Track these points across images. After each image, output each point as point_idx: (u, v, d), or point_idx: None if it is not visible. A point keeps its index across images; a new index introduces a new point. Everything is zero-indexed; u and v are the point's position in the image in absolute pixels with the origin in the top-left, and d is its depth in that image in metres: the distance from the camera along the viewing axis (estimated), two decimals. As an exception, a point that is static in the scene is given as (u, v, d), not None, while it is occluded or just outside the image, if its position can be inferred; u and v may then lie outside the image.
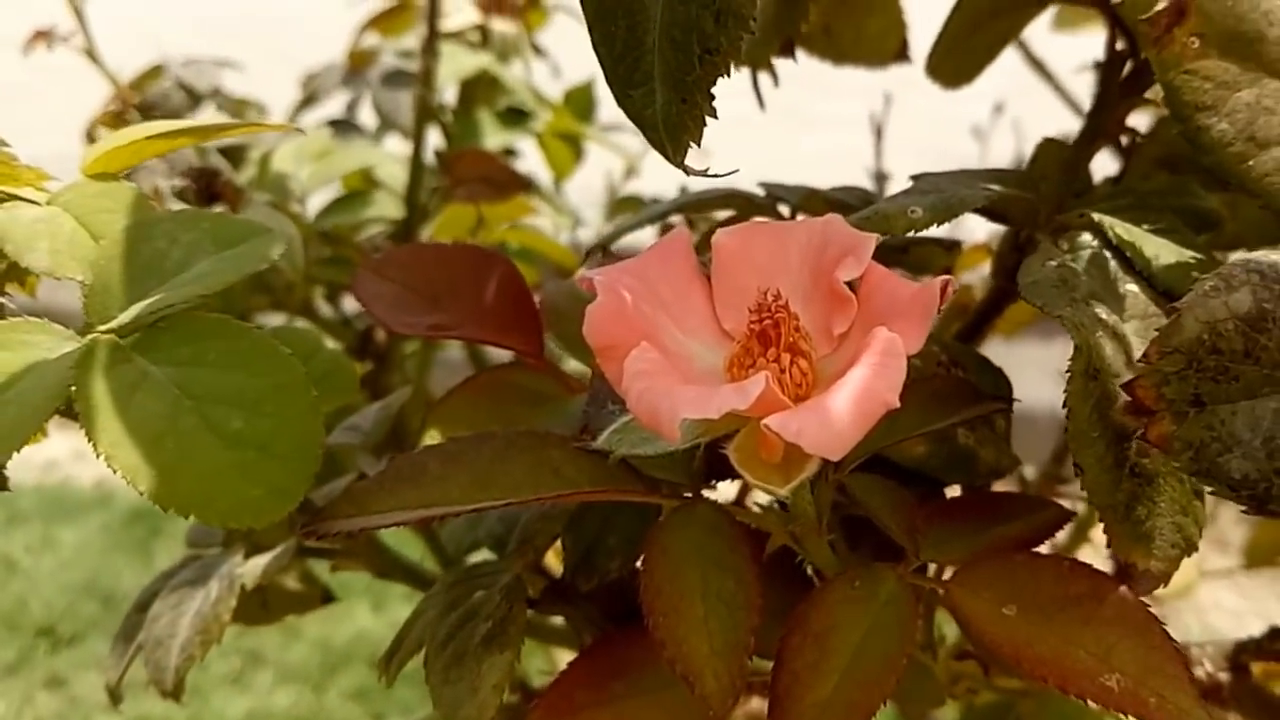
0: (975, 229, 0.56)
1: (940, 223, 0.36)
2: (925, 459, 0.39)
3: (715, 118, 0.32)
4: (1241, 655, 0.45)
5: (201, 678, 1.79)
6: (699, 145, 0.33)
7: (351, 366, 0.40)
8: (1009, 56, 0.60)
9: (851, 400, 0.29)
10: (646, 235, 0.51)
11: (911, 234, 0.37)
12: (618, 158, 0.97)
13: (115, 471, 0.31)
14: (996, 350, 0.45)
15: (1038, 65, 0.73)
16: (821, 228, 0.34)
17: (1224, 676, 0.45)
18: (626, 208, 0.89)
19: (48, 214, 0.36)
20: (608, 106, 0.97)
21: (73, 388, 0.32)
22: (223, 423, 0.32)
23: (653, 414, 0.29)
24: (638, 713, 0.35)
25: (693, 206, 0.47)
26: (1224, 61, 0.34)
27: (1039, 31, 0.63)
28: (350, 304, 0.68)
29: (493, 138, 0.80)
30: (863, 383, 0.29)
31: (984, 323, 0.45)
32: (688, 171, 0.34)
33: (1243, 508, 0.29)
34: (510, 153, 0.83)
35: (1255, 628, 0.46)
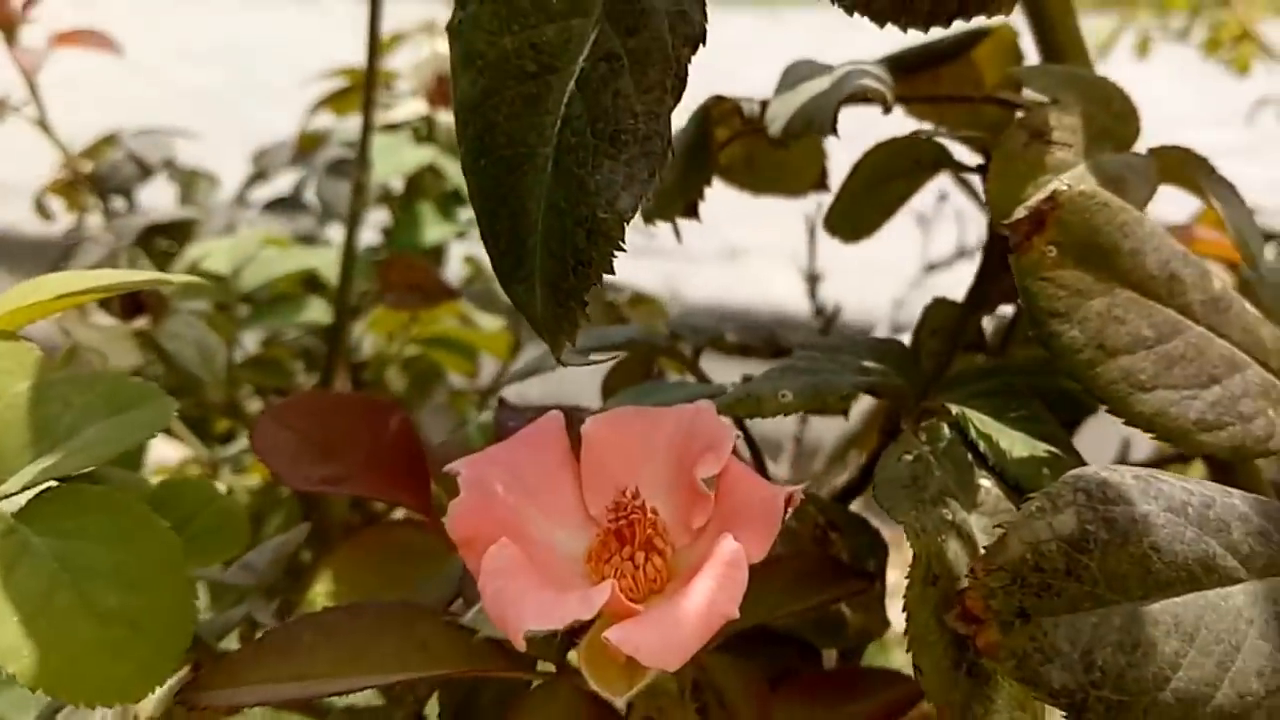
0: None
1: (810, 409, 0.38)
2: (795, 624, 0.40)
3: (589, 320, 0.34)
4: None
5: None
6: (574, 343, 0.34)
7: (244, 516, 0.41)
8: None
9: (691, 613, 0.30)
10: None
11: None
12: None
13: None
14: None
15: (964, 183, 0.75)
16: (690, 418, 0.35)
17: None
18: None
19: (-57, 372, 0.37)
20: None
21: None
22: (98, 599, 0.33)
23: (502, 618, 0.31)
24: None
25: (594, 350, 0.48)
26: (1079, 270, 0.36)
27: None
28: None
29: (434, 229, 0.82)
30: (704, 595, 0.30)
31: (867, 479, 0.46)
32: (564, 363, 0.35)
33: (1062, 714, 0.31)
34: (439, 252, 0.84)
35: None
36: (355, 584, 0.39)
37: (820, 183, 0.60)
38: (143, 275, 0.41)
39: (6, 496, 0.35)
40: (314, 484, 0.42)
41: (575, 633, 0.36)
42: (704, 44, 0.33)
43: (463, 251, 0.97)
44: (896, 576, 0.42)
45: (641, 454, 0.35)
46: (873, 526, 0.43)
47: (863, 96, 0.45)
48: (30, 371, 0.38)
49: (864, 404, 0.61)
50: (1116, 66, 1.42)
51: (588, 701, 0.35)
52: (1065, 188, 0.36)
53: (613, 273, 0.33)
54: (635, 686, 0.31)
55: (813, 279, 0.84)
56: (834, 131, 0.44)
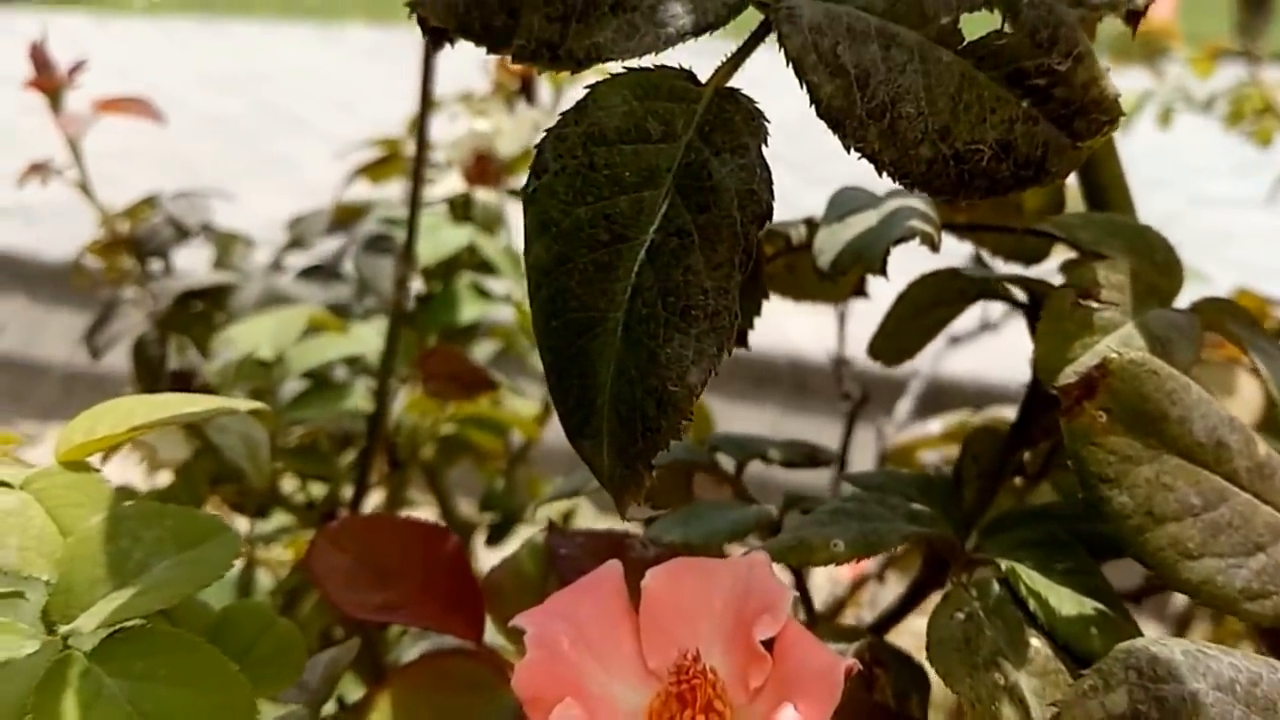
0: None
1: (860, 558, 0.39)
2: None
3: (654, 483, 0.35)
4: None
5: None
6: (640, 502, 0.35)
7: (302, 643, 0.42)
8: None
9: (753, 787, 0.31)
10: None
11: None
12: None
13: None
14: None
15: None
16: (746, 573, 0.36)
17: None
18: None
19: (19, 504, 0.38)
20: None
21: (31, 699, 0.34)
22: (169, 745, 0.34)
23: (568, 785, 0.31)
24: None
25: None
26: (1128, 437, 0.37)
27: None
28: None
29: (469, 308, 0.83)
30: (765, 768, 0.31)
31: (906, 610, 0.47)
32: (629, 519, 0.36)
33: None
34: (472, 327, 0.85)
35: None
36: (411, 711, 0.40)
37: (859, 290, 0.61)
38: (210, 407, 0.42)
39: (79, 634, 0.36)
40: (369, 612, 0.43)
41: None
42: (770, 220, 0.35)
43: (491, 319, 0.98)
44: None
45: (700, 608, 0.36)
46: (916, 662, 0.43)
47: (912, 236, 0.46)
48: (101, 504, 0.39)
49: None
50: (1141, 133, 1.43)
51: None
52: (1115, 354, 0.37)
53: (680, 439, 0.34)
54: None
55: (840, 363, 0.85)
56: (884, 273, 0.45)
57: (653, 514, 0.38)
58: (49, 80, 0.95)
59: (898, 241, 0.45)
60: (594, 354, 0.35)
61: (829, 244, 0.48)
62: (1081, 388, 0.37)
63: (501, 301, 0.87)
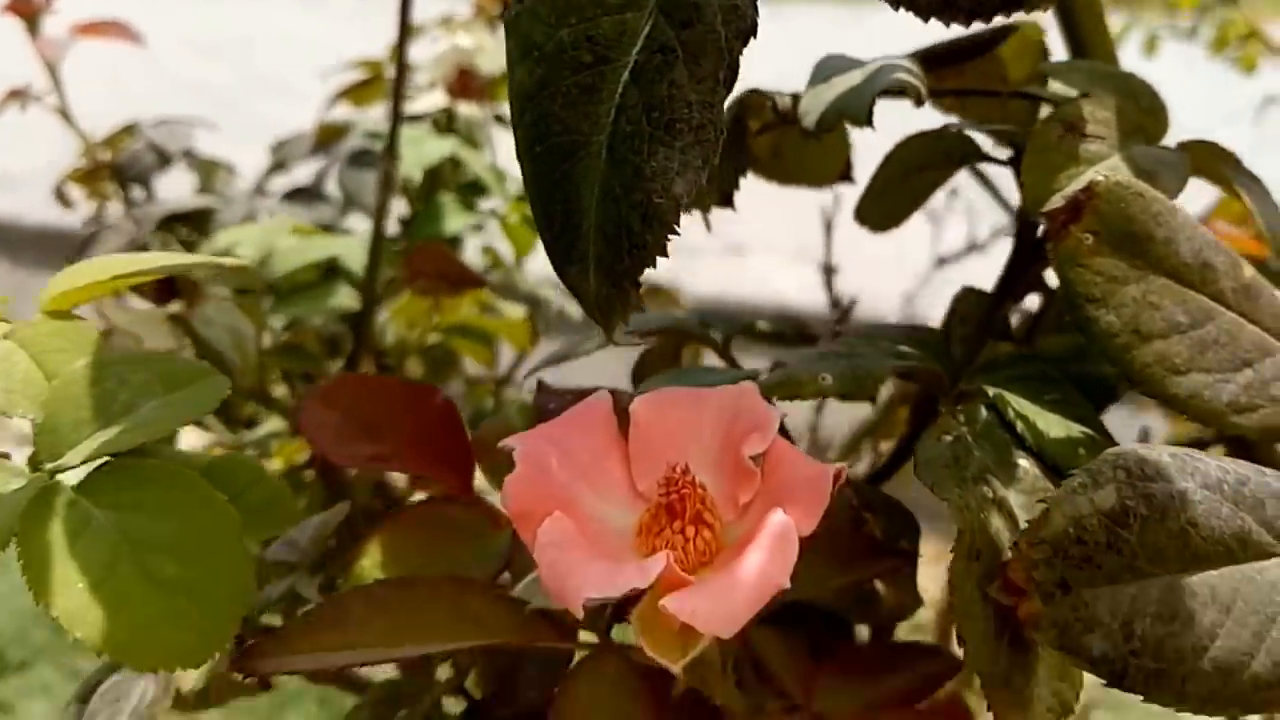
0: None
1: (849, 392, 0.39)
2: (831, 600, 0.41)
3: (641, 307, 0.35)
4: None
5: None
6: (627, 323, 0.35)
7: (291, 496, 0.42)
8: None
9: (745, 582, 0.31)
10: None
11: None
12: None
13: (55, 616, 0.33)
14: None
15: (981, 178, 0.76)
16: (735, 398, 0.36)
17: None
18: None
19: (4, 351, 0.38)
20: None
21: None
22: (158, 570, 0.34)
23: (560, 588, 0.31)
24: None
25: (630, 334, 0.49)
26: (1114, 258, 0.37)
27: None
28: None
29: (454, 220, 0.83)
30: (756, 566, 0.31)
31: (897, 463, 0.47)
32: (617, 343, 0.36)
33: (1103, 681, 0.32)
34: (457, 242, 0.84)
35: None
36: (400, 559, 0.40)
37: (845, 174, 0.61)
38: (190, 259, 0.42)
39: (66, 469, 0.35)
40: (361, 461, 0.43)
41: (623, 607, 0.37)
42: (755, 37, 0.34)
43: (479, 243, 0.98)
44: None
45: (688, 433, 0.36)
46: (905, 509, 0.44)
47: (897, 89, 0.45)
48: (88, 349, 0.39)
49: (882, 394, 0.62)
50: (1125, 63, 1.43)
51: (635, 672, 0.36)
52: (1101, 178, 0.37)
53: (666, 256, 0.34)
54: (689, 654, 0.31)
55: (828, 270, 0.85)
56: (870, 123, 0.45)
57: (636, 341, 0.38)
58: (26, 5, 0.94)
59: (883, 94, 0.45)
60: (578, 178, 0.34)
61: (814, 104, 0.47)
62: (1068, 211, 0.37)
63: (486, 216, 0.87)
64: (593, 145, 0.34)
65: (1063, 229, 0.37)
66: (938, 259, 1.11)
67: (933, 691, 0.38)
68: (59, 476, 0.35)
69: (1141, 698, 0.32)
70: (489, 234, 0.96)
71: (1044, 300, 0.50)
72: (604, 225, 0.34)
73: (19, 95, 0.95)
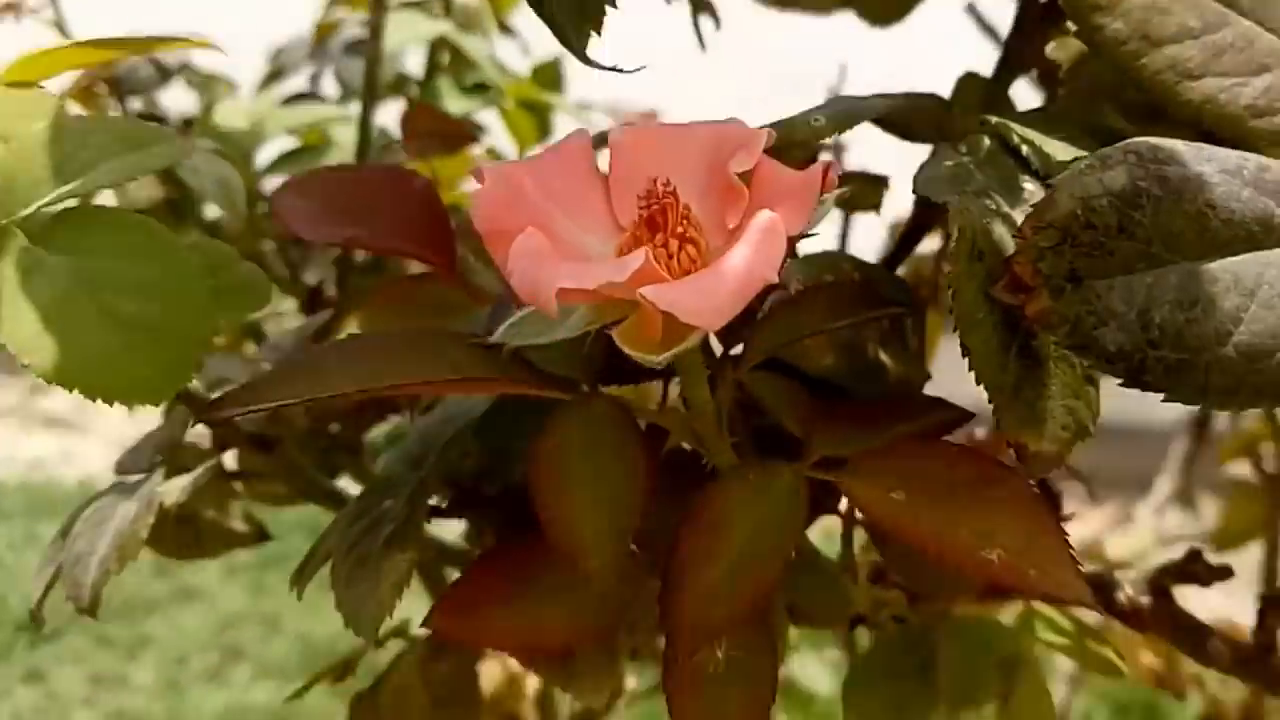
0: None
1: (842, 130, 0.37)
2: (834, 368, 0.39)
3: (615, 6, 0.33)
4: (1163, 579, 0.45)
5: (179, 672, 1.78)
6: (599, 34, 0.33)
7: (267, 282, 0.40)
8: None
9: (730, 274, 0.29)
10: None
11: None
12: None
13: (12, 350, 0.31)
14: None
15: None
16: (721, 126, 0.34)
17: (1145, 600, 0.45)
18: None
19: (-42, 116, 0.37)
20: (575, 86, 0.97)
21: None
22: (116, 307, 0.32)
23: (532, 286, 0.29)
24: (538, 611, 0.35)
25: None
26: (1118, -37, 0.34)
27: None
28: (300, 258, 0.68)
29: (454, 105, 0.81)
30: (743, 258, 0.29)
31: (904, 250, 0.45)
32: (589, 63, 0.34)
33: (1119, 381, 0.29)
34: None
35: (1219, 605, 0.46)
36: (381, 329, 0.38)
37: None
38: (156, 37, 0.41)
39: (22, 220, 0.34)
40: (337, 240, 0.41)
41: (611, 364, 0.35)
42: None
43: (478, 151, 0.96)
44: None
45: (673, 160, 0.34)
46: (907, 283, 0.41)
47: None
48: (49, 115, 0.37)
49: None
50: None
51: (623, 416, 0.34)
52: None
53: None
54: (673, 349, 0.29)
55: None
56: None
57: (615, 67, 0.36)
58: (16, -86, 0.92)
59: None
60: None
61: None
62: (1070, -83, 0.34)
63: (487, 101, 0.85)
64: None
65: (1066, -59, 0.35)
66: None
67: (939, 438, 0.36)
68: (12, 225, 0.34)
69: (1161, 396, 0.30)
70: (493, 136, 0.94)
71: (1050, 85, 0.48)
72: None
73: (12, 7, 0.94)
